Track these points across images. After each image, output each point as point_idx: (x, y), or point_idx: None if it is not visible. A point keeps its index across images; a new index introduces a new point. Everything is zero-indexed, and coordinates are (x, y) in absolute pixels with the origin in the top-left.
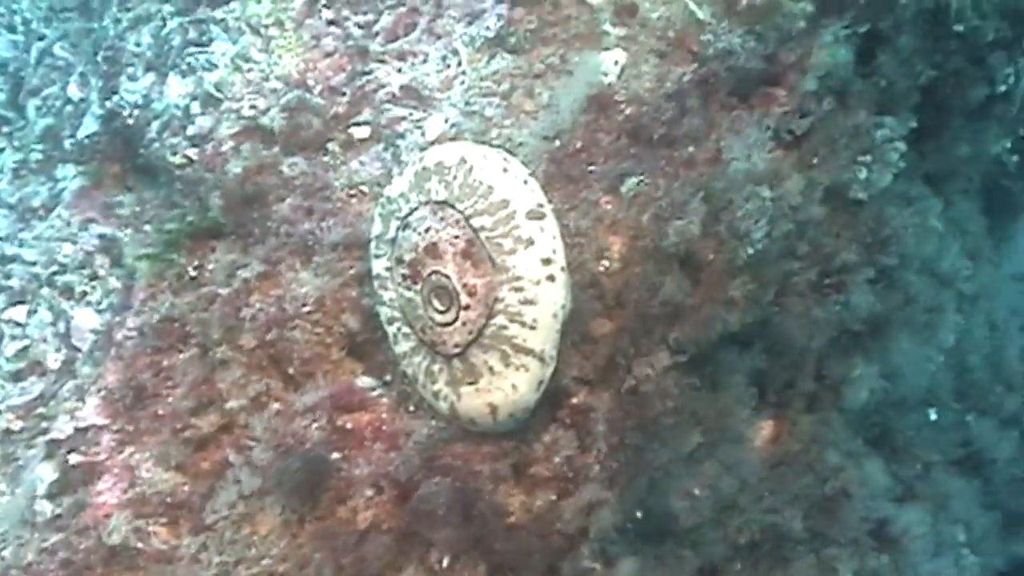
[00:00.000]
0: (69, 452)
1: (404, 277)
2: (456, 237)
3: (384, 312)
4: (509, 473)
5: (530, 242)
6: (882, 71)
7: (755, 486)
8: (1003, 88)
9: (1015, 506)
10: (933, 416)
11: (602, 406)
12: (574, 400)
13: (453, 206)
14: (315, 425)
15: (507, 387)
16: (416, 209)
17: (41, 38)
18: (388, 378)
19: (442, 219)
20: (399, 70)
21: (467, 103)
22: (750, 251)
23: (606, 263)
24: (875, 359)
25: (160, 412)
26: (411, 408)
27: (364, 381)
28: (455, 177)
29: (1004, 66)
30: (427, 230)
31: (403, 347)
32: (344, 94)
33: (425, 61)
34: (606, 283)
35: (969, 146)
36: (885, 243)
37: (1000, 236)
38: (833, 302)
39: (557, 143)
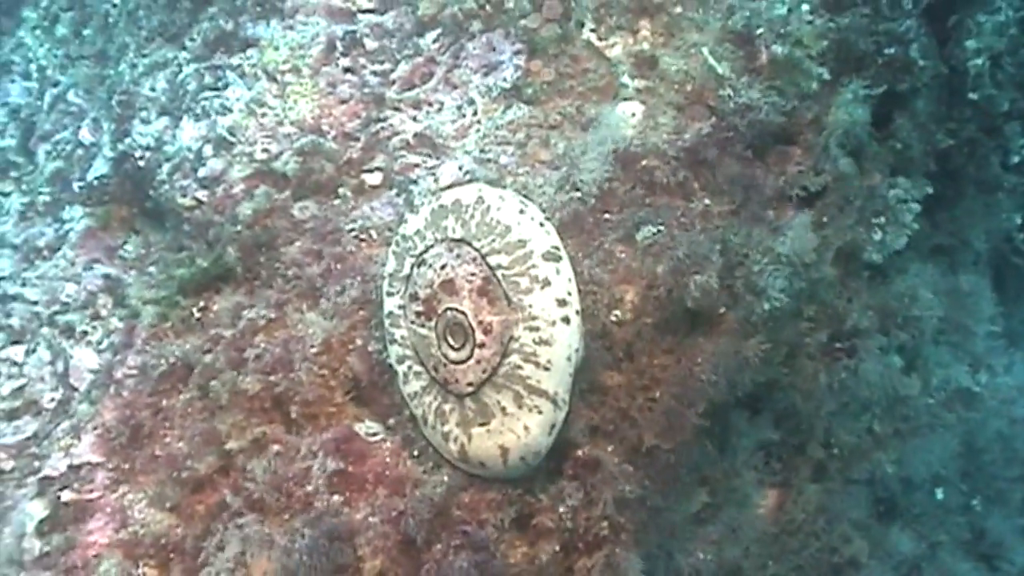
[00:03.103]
0: (61, 489)
1: (418, 314)
2: (473, 274)
3: (395, 351)
4: (515, 524)
5: (546, 283)
6: (898, 135)
7: (759, 553)
8: (1016, 160)
9: None
10: (940, 495)
11: (610, 460)
12: (580, 452)
13: (470, 244)
14: (316, 468)
15: (519, 429)
16: (432, 246)
17: (55, 84)
18: (391, 422)
19: (459, 256)
20: (414, 118)
21: (482, 151)
22: (766, 307)
23: (618, 313)
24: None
25: (157, 452)
26: (415, 453)
27: (367, 425)
28: (472, 216)
29: (1018, 137)
30: (443, 267)
31: (413, 386)
32: (358, 140)
33: (440, 110)
34: (617, 334)
35: (982, 218)
36: (909, 322)
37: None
38: (843, 367)
39: (573, 192)
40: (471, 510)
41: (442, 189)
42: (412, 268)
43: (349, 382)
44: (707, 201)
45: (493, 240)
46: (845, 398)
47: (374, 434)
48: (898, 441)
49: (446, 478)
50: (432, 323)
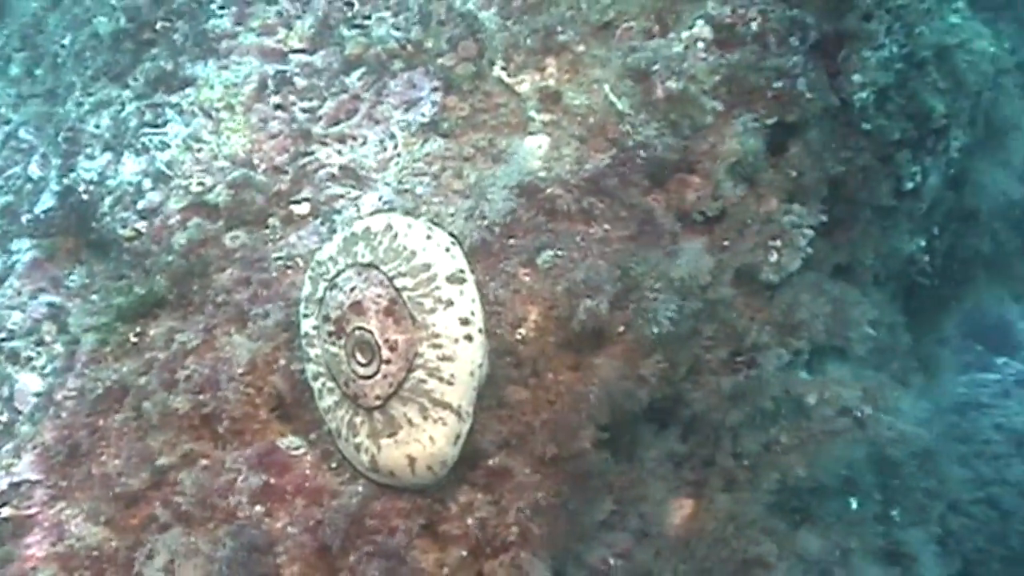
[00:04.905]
0: (1, 506)
1: (330, 334)
2: (379, 296)
3: (310, 369)
4: (424, 530)
5: (449, 303)
6: (793, 163)
7: (670, 557)
8: (910, 185)
9: None
10: (854, 505)
11: (518, 470)
12: (490, 462)
13: (378, 268)
14: (240, 480)
15: (425, 439)
16: (343, 271)
17: (7, 122)
18: (313, 437)
19: (367, 279)
20: (339, 151)
21: (400, 182)
22: (656, 330)
23: (522, 331)
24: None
25: (93, 470)
26: (333, 465)
27: (290, 440)
28: (381, 242)
29: (910, 165)
30: (352, 289)
31: (327, 401)
32: (287, 173)
33: (364, 143)
34: (522, 351)
35: (878, 240)
36: (797, 328)
37: (935, 336)
38: (743, 379)
39: (481, 219)
40: (382, 518)
41: (355, 218)
42: (325, 291)
43: (274, 399)
44: (606, 227)
45: (399, 264)
46: (748, 410)
47: (296, 448)
48: (804, 451)
49: (361, 488)
50: (342, 342)
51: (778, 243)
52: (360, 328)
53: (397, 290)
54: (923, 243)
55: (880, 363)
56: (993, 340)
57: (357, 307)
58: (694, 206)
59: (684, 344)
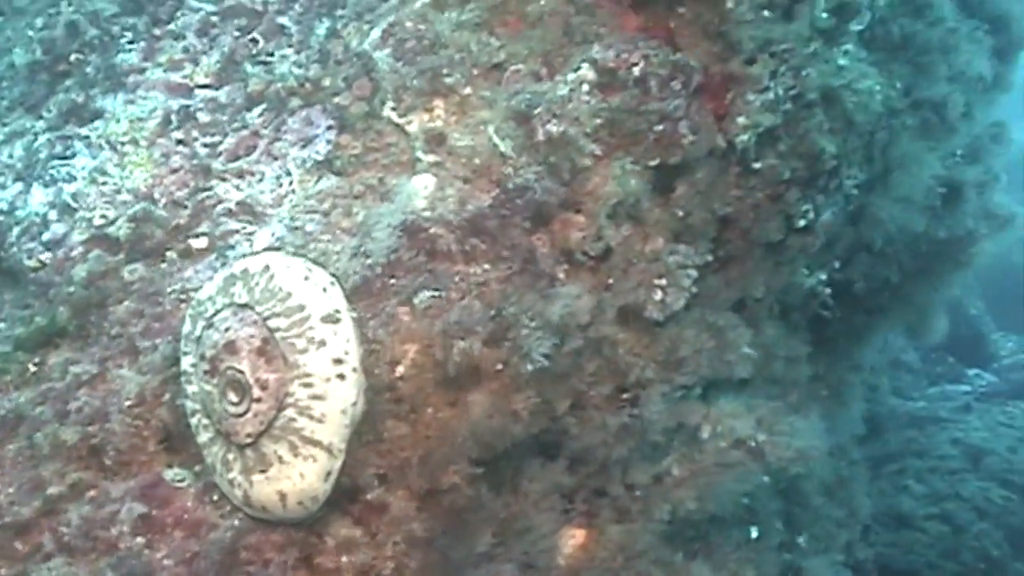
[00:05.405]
0: None
1: (205, 372)
2: (252, 336)
3: (189, 405)
4: (299, 563)
5: (322, 343)
6: (679, 203)
7: None
8: (803, 223)
9: None
10: (754, 534)
11: (395, 504)
12: (368, 496)
13: (252, 308)
14: (123, 512)
15: (295, 476)
16: (220, 311)
17: None
18: (198, 469)
19: (241, 320)
20: (237, 187)
21: (292, 219)
22: (530, 367)
23: (401, 369)
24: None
25: None
26: (214, 498)
27: (176, 472)
28: (257, 283)
29: (801, 203)
30: (227, 329)
31: (203, 437)
32: (186, 207)
33: (261, 180)
34: (401, 388)
35: (771, 275)
36: (681, 364)
37: (847, 364)
38: (627, 415)
39: (364, 258)
40: (257, 550)
41: (237, 257)
42: (203, 330)
43: (161, 432)
44: (486, 267)
45: (274, 305)
46: (634, 443)
47: (180, 480)
48: (696, 482)
49: (237, 521)
50: (215, 380)
51: (663, 282)
52: (232, 368)
53: (271, 330)
54: (823, 277)
55: (778, 395)
56: (966, 352)
57: (230, 347)
58: (578, 246)
59: (563, 380)
